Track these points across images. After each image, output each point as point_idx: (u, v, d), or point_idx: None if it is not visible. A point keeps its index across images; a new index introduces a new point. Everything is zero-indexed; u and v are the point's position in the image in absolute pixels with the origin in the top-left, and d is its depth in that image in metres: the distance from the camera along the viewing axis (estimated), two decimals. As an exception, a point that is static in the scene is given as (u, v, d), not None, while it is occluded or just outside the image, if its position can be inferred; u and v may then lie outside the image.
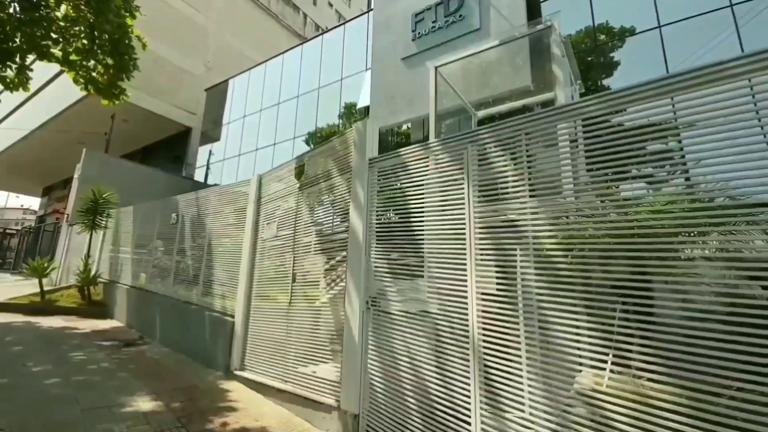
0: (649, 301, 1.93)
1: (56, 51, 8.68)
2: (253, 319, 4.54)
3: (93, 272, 9.16)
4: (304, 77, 15.22)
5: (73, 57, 8.78)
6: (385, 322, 2.97)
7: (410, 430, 2.57)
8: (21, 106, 22.19)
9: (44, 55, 8.49)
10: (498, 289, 2.24)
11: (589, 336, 1.97)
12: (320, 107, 14.35)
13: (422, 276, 2.76)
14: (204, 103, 20.21)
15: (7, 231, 24.04)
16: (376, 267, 3.16)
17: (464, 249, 2.45)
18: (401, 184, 3.11)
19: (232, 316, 4.82)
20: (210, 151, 19.03)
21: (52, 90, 19.45)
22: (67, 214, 13.40)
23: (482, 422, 2.15)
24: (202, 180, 18.29)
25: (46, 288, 9.13)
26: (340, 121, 13.60)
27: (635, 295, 1.89)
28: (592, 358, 1.96)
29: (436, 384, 2.47)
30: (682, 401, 1.72)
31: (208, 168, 18.82)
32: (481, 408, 2.17)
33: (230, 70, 19.52)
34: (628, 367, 1.97)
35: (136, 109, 17.52)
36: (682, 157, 2.03)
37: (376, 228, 3.25)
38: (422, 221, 2.84)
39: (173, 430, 3.02)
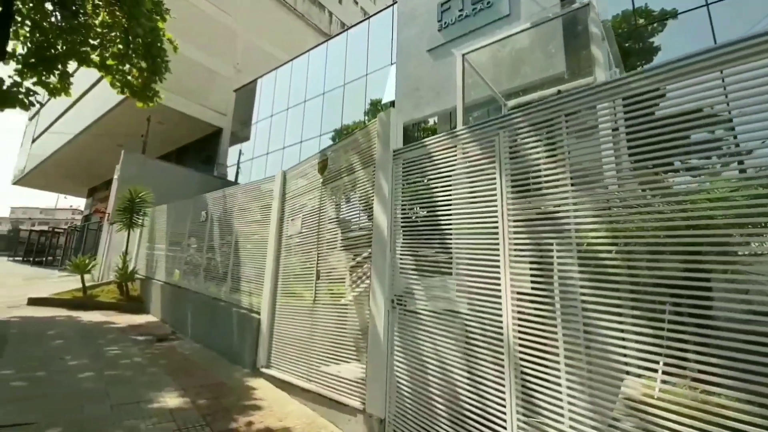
0: (707, 302, 1.69)
1: (94, 56, 9.06)
2: (278, 317, 4.50)
3: (130, 269, 9.52)
4: (329, 74, 15.23)
5: (109, 62, 9.15)
6: (412, 322, 2.82)
7: (439, 438, 2.42)
8: (66, 113, 23.47)
9: (83, 61, 8.89)
10: (535, 288, 2.04)
11: (637, 340, 1.74)
12: (346, 104, 14.32)
13: (451, 274, 2.58)
14: (233, 103, 20.68)
15: (56, 230, 25.55)
16: (401, 264, 3.01)
17: (497, 244, 2.25)
18: (427, 176, 2.94)
19: (258, 313, 4.81)
20: (240, 151, 19.46)
21: (93, 96, 20.43)
22: (108, 213, 14.05)
23: (518, 434, 1.96)
24: (233, 179, 18.73)
25: (87, 284, 9.58)
26: (366, 117, 13.51)
27: (691, 295, 1.65)
28: (640, 366, 1.73)
29: (468, 390, 2.29)
30: (747, 418, 1.47)
31: (238, 167, 19.25)
32: (518, 420, 1.98)
33: (258, 70, 19.85)
34: (683, 376, 1.74)
35: (170, 111, 18.16)
36: (735, 137, 1.75)
37: (402, 223, 3.10)
38: (450, 215, 2.66)
39: (197, 428, 3.00)
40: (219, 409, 3.43)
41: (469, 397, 2.27)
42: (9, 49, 8.05)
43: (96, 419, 3.08)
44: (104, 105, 19.02)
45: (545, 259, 2.04)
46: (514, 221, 2.20)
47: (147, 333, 6.55)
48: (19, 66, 8.26)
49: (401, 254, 3.03)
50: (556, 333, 1.94)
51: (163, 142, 21.95)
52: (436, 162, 2.88)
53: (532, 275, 2.07)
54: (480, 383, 2.22)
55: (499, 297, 2.17)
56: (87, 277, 9.69)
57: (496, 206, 2.31)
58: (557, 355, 1.91)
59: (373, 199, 3.39)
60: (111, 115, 19.25)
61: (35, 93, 8.02)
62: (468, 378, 2.29)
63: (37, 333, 5.89)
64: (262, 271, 4.98)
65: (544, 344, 1.95)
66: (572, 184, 1.97)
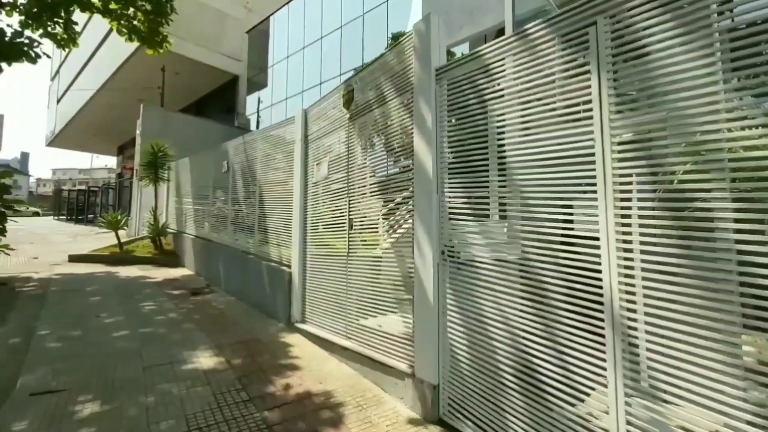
0: None
1: (96, 1, 8.56)
2: (310, 270, 4.18)
3: (161, 223, 9.51)
4: (345, 3, 13.86)
5: (112, 5, 8.63)
6: (468, 276, 2.35)
7: (509, 413, 2.03)
8: (83, 69, 23.14)
9: (86, 7, 8.39)
10: (657, 234, 1.48)
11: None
12: (366, 39, 13.11)
13: (518, 217, 2.05)
14: (247, 47, 19.61)
15: (92, 189, 26.35)
16: (451, 209, 2.50)
17: (593, 177, 1.67)
18: (484, 97, 2.31)
19: (289, 266, 4.51)
20: (258, 98, 18.74)
21: (107, 51, 19.87)
22: (136, 170, 14.05)
23: (628, 421, 1.52)
24: (254, 128, 18.24)
25: (123, 239, 9.69)
26: (388, 52, 12.35)
27: None
28: None
29: (546, 359, 1.85)
30: None
31: (258, 116, 18.66)
32: (626, 401, 1.52)
33: (269, 7, 18.46)
34: None
35: (183, 60, 17.39)
36: None
37: (450, 158, 2.54)
38: (517, 144, 2.08)
39: (232, 393, 2.77)
40: (255, 369, 3.21)
41: (548, 368, 1.83)
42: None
43: (128, 383, 2.91)
44: (118, 58, 18.43)
45: (676, 194, 1.46)
46: (620, 143, 1.60)
47: (182, 287, 6.51)
48: (23, 17, 7.87)
49: (451, 196, 2.50)
50: (692, 294, 1.42)
51: (182, 94, 21.41)
52: (495, 77, 2.24)
53: (652, 216, 1.51)
54: (565, 354, 1.76)
55: (598, 247, 1.63)
56: (122, 233, 9.79)
57: (590, 123, 1.69)
58: (692, 324, 1.41)
59: (411, 133, 2.82)
60: (126, 68, 18.67)
61: (40, 43, 7.63)
62: (551, 348, 1.83)
63: (75, 290, 5.92)
64: (289, 221, 4.61)
65: (669, 308, 1.43)
66: (726, 81, 1.33)
